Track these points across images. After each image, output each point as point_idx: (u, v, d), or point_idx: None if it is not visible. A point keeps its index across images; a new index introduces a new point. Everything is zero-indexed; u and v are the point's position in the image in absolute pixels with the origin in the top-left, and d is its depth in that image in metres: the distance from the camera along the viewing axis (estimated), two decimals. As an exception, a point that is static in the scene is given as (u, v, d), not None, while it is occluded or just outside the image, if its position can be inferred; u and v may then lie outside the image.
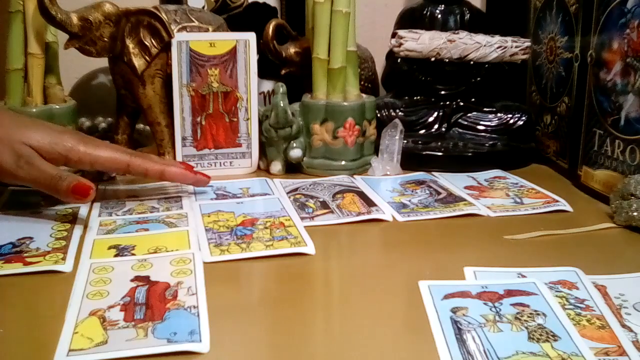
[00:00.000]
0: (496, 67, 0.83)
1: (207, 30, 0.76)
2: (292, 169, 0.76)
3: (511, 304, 0.42)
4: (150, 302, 0.42)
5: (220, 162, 0.75)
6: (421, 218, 0.60)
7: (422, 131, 0.81)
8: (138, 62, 0.71)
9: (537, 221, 0.59)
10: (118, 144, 0.75)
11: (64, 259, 0.50)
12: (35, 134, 0.57)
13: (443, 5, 0.86)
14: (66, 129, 0.64)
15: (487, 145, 0.79)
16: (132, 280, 0.46)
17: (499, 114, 0.81)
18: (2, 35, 0.72)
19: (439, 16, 0.86)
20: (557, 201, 0.64)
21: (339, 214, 0.61)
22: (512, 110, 0.81)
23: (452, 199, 0.65)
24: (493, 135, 0.80)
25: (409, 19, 0.87)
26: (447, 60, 0.81)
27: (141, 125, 0.83)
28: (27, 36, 0.70)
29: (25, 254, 0.50)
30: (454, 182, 0.71)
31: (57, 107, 0.72)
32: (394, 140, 0.75)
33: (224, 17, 0.84)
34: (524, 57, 0.82)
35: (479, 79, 0.83)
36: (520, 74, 0.87)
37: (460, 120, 0.81)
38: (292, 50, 0.81)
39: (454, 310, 0.41)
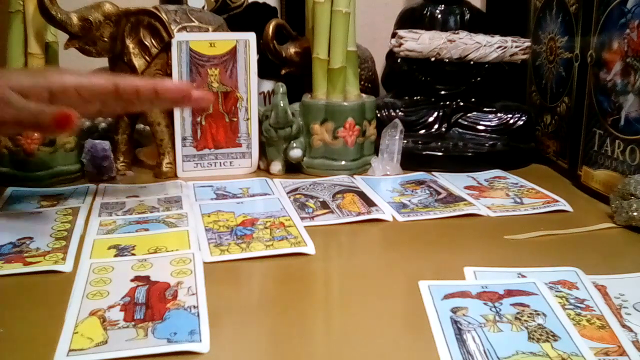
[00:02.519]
0: (496, 67, 0.83)
1: (207, 30, 0.76)
2: (292, 169, 0.76)
3: (511, 304, 0.42)
4: (150, 302, 0.42)
5: (220, 162, 0.75)
6: (421, 218, 0.60)
7: (422, 131, 0.81)
8: (138, 62, 0.71)
9: (537, 221, 0.59)
10: (118, 144, 0.75)
11: (64, 259, 0.50)
12: (14, 75, 0.53)
13: (443, 5, 0.86)
14: (55, 67, 0.59)
15: (487, 145, 0.79)
16: (132, 280, 0.46)
17: (499, 114, 0.81)
18: (2, 35, 0.72)
19: (439, 16, 0.86)
20: (557, 201, 0.64)
21: (339, 214, 0.61)
22: (512, 110, 0.81)
23: (452, 199, 0.65)
24: (493, 135, 0.80)
25: (409, 19, 0.87)
26: (447, 60, 0.81)
27: (141, 125, 0.83)
28: (27, 36, 0.70)
29: (25, 254, 0.50)
30: (454, 182, 0.71)
31: (57, 107, 0.72)
32: (394, 140, 0.75)
33: (224, 17, 0.84)
34: (524, 57, 0.82)
35: (479, 79, 0.83)
36: (520, 74, 0.87)
37: (460, 120, 0.81)
38: (292, 50, 0.81)
39: (454, 310, 0.41)
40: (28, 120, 0.51)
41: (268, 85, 0.90)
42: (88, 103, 0.54)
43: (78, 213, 0.60)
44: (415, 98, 0.83)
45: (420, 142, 0.79)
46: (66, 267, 0.49)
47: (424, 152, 0.77)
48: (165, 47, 0.71)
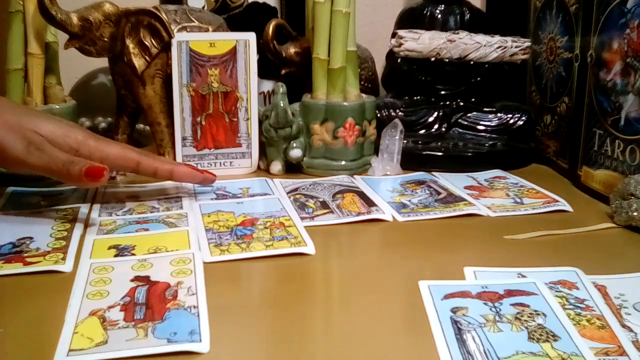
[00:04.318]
0: (496, 67, 0.83)
1: (207, 30, 0.76)
2: (292, 169, 0.76)
3: (511, 304, 0.42)
4: (150, 302, 0.42)
5: (220, 162, 0.75)
6: (421, 218, 0.60)
7: (422, 131, 0.81)
8: (138, 62, 0.71)
9: (537, 221, 0.59)
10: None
11: (64, 259, 0.50)
12: (46, 124, 0.57)
13: (443, 5, 0.86)
14: (75, 124, 0.63)
15: (487, 145, 0.79)
16: (132, 280, 0.46)
17: (499, 114, 0.81)
18: (2, 35, 0.72)
19: (439, 16, 0.86)
20: (557, 201, 0.64)
21: (339, 214, 0.61)
22: (512, 110, 0.81)
23: (452, 199, 0.65)
24: (493, 135, 0.80)
25: (409, 19, 0.87)
26: (447, 60, 0.81)
27: (141, 125, 0.83)
28: (27, 36, 0.70)
29: (25, 254, 0.50)
30: (454, 182, 0.71)
31: (57, 107, 0.72)
32: (394, 140, 0.75)
33: (224, 17, 0.84)
34: (524, 57, 0.82)
35: (479, 79, 0.83)
36: (520, 74, 0.87)
37: (460, 120, 0.81)
38: (292, 50, 0.81)
39: (454, 310, 0.41)
40: (56, 168, 0.55)
41: (268, 85, 0.90)
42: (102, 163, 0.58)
43: (78, 213, 0.60)
44: (415, 98, 0.83)
45: (420, 142, 0.79)
46: (66, 267, 0.49)
47: (424, 152, 0.77)
48: (165, 47, 0.71)
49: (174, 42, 0.71)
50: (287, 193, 0.67)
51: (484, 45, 0.80)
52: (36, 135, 0.56)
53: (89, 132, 0.60)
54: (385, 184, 0.71)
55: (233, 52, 0.73)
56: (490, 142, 0.79)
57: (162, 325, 0.40)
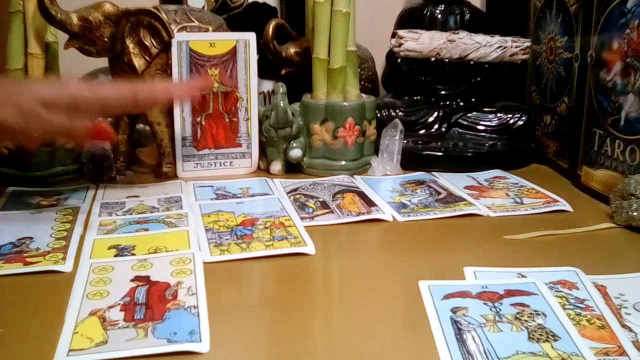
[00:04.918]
0: (496, 67, 0.83)
1: (207, 30, 0.75)
2: (292, 169, 0.76)
3: (511, 304, 0.42)
4: (150, 302, 0.42)
5: (220, 162, 0.75)
6: (421, 218, 0.60)
7: (422, 131, 0.81)
8: (138, 62, 0.71)
9: (537, 221, 0.59)
10: (118, 144, 0.75)
11: (64, 259, 0.50)
12: (39, 88, 0.54)
13: (443, 5, 0.86)
14: (67, 79, 0.62)
15: (487, 145, 0.79)
16: (132, 280, 0.46)
17: (499, 114, 0.81)
18: (2, 35, 0.72)
19: (439, 16, 0.86)
20: (557, 201, 0.64)
21: (339, 214, 0.61)
22: (512, 110, 0.81)
23: (452, 199, 0.65)
24: (493, 135, 0.80)
25: (409, 19, 0.87)
26: (447, 60, 0.81)
27: (141, 125, 0.83)
28: (27, 36, 0.70)
29: (25, 254, 0.50)
30: (454, 182, 0.71)
31: (57, 107, 0.72)
32: (394, 140, 0.75)
33: (224, 17, 0.84)
34: (524, 57, 0.82)
35: (479, 79, 0.83)
36: (520, 74, 0.87)
37: (460, 120, 0.81)
38: (292, 50, 0.81)
39: (454, 310, 0.41)
40: (59, 131, 0.55)
41: (268, 85, 0.90)
42: (105, 111, 0.58)
43: (78, 213, 0.60)
44: (415, 98, 0.83)
45: (420, 142, 0.79)
46: (66, 267, 0.49)
47: (424, 152, 0.77)
48: (165, 47, 0.71)
49: (174, 42, 0.71)
50: (287, 193, 0.67)
51: (484, 45, 0.80)
52: (30, 102, 0.53)
53: (80, 84, 0.57)
54: (385, 184, 0.71)
55: (233, 52, 0.73)
56: (490, 142, 0.79)
57: (162, 325, 0.40)
